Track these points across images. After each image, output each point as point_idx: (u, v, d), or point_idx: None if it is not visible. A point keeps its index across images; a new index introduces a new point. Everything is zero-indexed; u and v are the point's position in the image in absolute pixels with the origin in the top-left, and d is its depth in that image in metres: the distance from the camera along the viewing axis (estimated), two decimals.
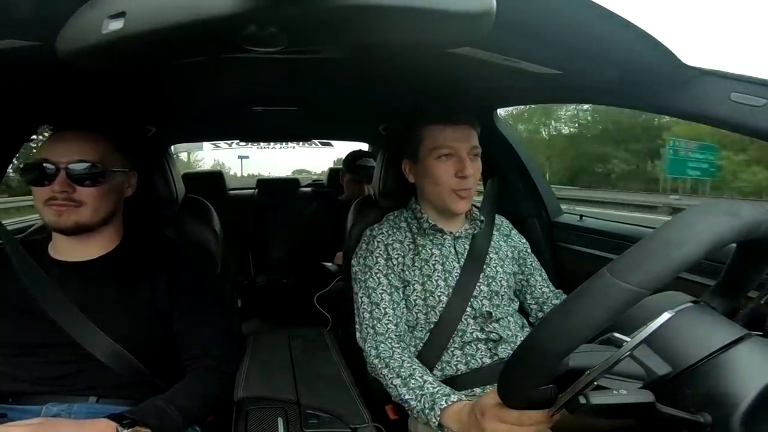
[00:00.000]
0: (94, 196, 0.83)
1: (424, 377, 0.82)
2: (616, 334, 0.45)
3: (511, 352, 0.94)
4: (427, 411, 0.76)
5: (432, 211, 1.02)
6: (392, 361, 0.87)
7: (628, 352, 0.42)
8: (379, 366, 0.89)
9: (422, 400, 0.78)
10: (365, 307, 0.95)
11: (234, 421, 0.81)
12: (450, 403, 0.74)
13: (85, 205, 0.82)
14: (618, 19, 0.60)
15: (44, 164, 0.80)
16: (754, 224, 0.44)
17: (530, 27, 0.62)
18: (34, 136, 1.28)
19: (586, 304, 0.42)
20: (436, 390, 0.78)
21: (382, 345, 0.91)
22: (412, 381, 0.82)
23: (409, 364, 0.86)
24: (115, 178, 0.87)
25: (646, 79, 0.79)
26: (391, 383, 0.85)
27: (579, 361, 0.45)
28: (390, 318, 0.93)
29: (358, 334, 0.97)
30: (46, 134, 0.94)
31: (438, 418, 0.74)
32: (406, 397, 0.81)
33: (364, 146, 2.77)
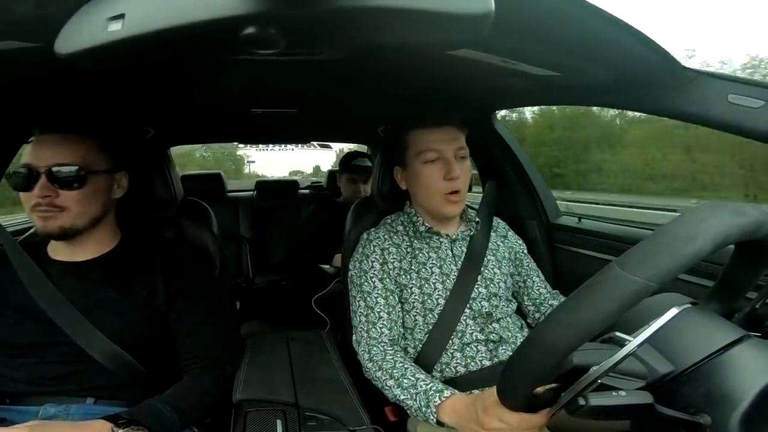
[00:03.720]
0: (77, 199, 0.81)
1: (416, 375, 0.82)
2: (618, 333, 0.45)
3: (511, 353, 0.94)
4: (423, 409, 0.76)
5: (426, 214, 1.02)
6: (385, 363, 0.87)
7: (635, 348, 0.42)
8: (373, 369, 0.89)
9: (417, 398, 0.78)
10: (361, 311, 0.95)
11: (232, 423, 0.80)
12: (444, 398, 0.74)
13: (68, 210, 0.81)
14: (616, 20, 0.61)
15: (25, 169, 0.79)
16: (758, 225, 0.44)
17: (529, 29, 0.62)
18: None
19: (596, 297, 0.41)
20: (429, 387, 0.78)
21: (375, 348, 0.91)
22: (405, 380, 0.82)
23: (401, 364, 0.86)
24: (99, 180, 0.85)
25: (643, 80, 0.79)
26: (386, 385, 0.85)
27: (583, 358, 0.44)
28: (384, 322, 0.93)
29: (354, 337, 0.97)
30: None
31: (435, 415, 0.74)
32: (402, 397, 0.81)
33: (364, 148, 2.78)
